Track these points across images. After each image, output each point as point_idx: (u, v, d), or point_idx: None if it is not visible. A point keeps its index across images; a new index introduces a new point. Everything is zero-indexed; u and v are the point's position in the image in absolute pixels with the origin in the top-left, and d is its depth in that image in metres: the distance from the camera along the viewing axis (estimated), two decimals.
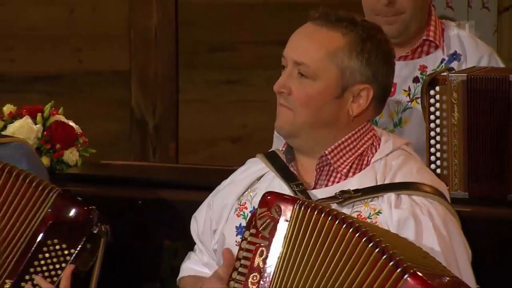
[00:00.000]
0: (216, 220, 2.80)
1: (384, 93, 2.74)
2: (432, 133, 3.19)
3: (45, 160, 3.43)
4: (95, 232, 2.83)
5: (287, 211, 2.50)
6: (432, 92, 3.18)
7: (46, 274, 2.81)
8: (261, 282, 2.49)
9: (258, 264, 2.51)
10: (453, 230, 2.65)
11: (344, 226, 2.43)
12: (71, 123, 3.53)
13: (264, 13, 5.04)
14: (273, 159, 2.77)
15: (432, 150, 3.19)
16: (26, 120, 3.44)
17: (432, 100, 3.19)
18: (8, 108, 3.48)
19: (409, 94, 3.48)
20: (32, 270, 2.81)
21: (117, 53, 5.03)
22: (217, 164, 3.89)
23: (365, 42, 2.64)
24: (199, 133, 4.81)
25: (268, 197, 2.55)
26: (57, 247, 2.82)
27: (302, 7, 5.11)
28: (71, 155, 3.49)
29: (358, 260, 2.39)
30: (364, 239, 2.39)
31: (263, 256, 2.50)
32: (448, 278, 2.39)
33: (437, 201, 2.66)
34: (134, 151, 5.02)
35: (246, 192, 2.76)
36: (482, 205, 3.12)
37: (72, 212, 2.84)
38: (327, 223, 2.44)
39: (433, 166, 3.18)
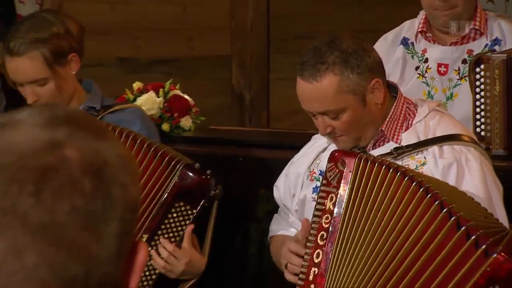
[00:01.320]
0: (293, 186, 2.81)
1: (381, 68, 2.69)
2: (478, 103, 3.17)
3: (166, 126, 3.46)
4: (212, 195, 2.85)
5: (351, 164, 2.51)
6: (477, 70, 3.15)
7: (174, 229, 2.85)
8: (332, 221, 2.51)
9: (329, 207, 2.52)
10: (487, 171, 2.63)
11: (398, 174, 2.44)
12: (186, 96, 3.55)
13: (339, 7, 5.03)
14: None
15: (478, 117, 3.18)
16: (151, 94, 3.46)
17: (477, 76, 3.16)
18: (136, 85, 3.51)
19: (458, 73, 3.42)
20: (163, 227, 2.85)
21: (221, 41, 5.03)
22: (300, 129, 3.87)
23: (347, 61, 2.57)
24: (286, 105, 4.79)
25: (336, 154, 2.58)
26: (183, 208, 2.85)
27: (369, 2, 5.12)
28: (186, 122, 3.51)
29: (415, 207, 2.40)
30: (419, 187, 2.40)
31: (333, 201, 2.51)
32: None
33: (472, 147, 2.64)
34: (234, 119, 5.03)
35: (314, 161, 2.75)
36: None
37: (195, 180, 2.86)
38: (382, 171, 2.45)
39: (478, 129, 3.16)
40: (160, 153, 2.86)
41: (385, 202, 2.44)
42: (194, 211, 2.85)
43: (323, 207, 2.52)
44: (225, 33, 5.04)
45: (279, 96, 4.99)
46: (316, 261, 2.50)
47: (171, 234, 2.86)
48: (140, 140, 2.86)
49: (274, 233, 2.89)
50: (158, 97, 3.46)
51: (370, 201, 2.46)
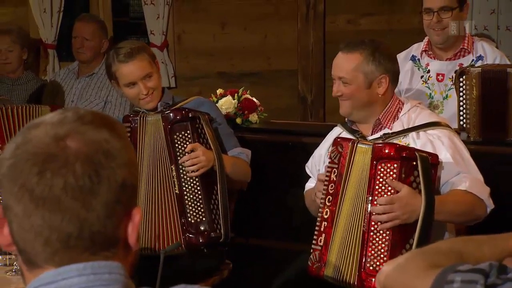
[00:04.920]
0: (317, 163, 2.78)
1: (395, 77, 2.63)
2: (461, 103, 3.10)
3: (238, 120, 3.43)
4: (191, 116, 2.80)
5: (346, 147, 2.46)
6: (461, 79, 3.09)
7: (184, 150, 2.77)
8: (335, 188, 2.47)
9: (333, 178, 2.48)
10: (455, 141, 2.55)
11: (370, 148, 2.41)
12: (254, 99, 3.51)
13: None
14: (345, 125, 2.72)
15: (461, 113, 3.10)
16: (229, 97, 3.45)
17: (461, 84, 3.08)
18: (219, 91, 3.51)
19: (452, 80, 3.34)
20: (178, 153, 2.77)
21: (290, 59, 4.98)
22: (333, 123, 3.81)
23: (374, 53, 2.54)
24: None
25: (337, 140, 2.53)
26: (180, 135, 2.79)
27: (400, 33, 5.02)
28: (253, 117, 3.46)
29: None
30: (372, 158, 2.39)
31: (335, 174, 2.48)
32: None
33: (442, 128, 2.55)
34: (299, 115, 4.98)
35: (330, 145, 2.71)
36: (490, 145, 3.00)
37: (175, 114, 2.81)
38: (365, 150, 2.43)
39: (461, 122, 3.08)
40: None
41: (363, 169, 2.41)
42: (189, 131, 2.79)
43: (329, 178, 2.50)
44: (293, 54, 4.99)
45: (332, 98, 4.89)
46: (325, 217, 2.48)
47: (184, 154, 2.78)
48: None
49: (307, 189, 2.85)
50: (234, 100, 3.45)
51: (357, 171, 2.43)
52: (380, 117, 2.60)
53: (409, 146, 2.50)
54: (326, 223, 2.46)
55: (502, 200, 2.67)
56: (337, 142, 2.51)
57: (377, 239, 2.31)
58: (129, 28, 6.27)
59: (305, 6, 4.92)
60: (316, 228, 2.50)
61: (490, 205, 2.48)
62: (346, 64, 2.55)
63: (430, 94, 3.41)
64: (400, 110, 2.62)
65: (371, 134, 2.62)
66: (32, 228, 0.95)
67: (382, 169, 2.34)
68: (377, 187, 2.34)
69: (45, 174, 0.95)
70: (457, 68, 3.33)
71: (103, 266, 0.97)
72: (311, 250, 2.51)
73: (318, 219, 2.50)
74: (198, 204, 2.75)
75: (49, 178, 0.95)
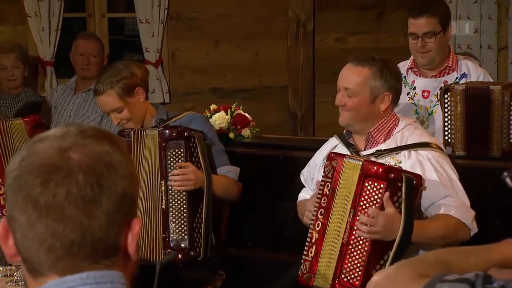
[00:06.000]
0: (312, 172, 2.79)
1: (398, 95, 2.65)
2: (446, 119, 3.11)
3: (231, 134, 3.43)
4: (187, 135, 2.79)
5: (340, 162, 2.47)
6: (446, 96, 3.10)
7: (175, 167, 2.77)
8: (327, 202, 2.47)
9: (326, 192, 2.49)
10: (444, 164, 2.56)
11: (360, 164, 2.41)
12: (246, 114, 3.52)
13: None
14: (342, 137, 2.72)
15: (446, 128, 3.11)
16: (222, 112, 3.46)
17: (446, 100, 3.10)
18: (212, 107, 3.52)
19: (437, 97, 3.35)
20: (169, 171, 2.77)
21: (281, 75, 5.00)
22: (322, 137, 3.82)
23: (383, 70, 2.55)
24: (326, 119, 4.74)
25: (331, 155, 2.53)
26: (173, 152, 2.79)
27: (389, 51, 5.06)
28: (245, 132, 3.47)
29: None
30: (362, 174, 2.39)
31: (328, 188, 2.48)
32: None
33: (432, 150, 2.56)
34: (289, 130, 5.00)
35: (326, 156, 2.72)
36: (473, 159, 3.02)
37: (171, 132, 2.80)
38: (355, 165, 2.42)
39: (446, 137, 3.09)
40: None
41: (351, 184, 2.42)
42: (182, 150, 2.78)
43: (322, 192, 2.50)
44: (283, 71, 5.01)
45: (321, 114, 4.96)
46: (317, 229, 2.49)
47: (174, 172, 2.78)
48: None
49: (300, 199, 2.87)
50: (227, 115, 3.46)
51: (345, 185, 2.43)
52: (371, 131, 2.61)
53: (400, 163, 2.52)
54: (317, 235, 2.47)
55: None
56: (331, 157, 2.52)
57: (354, 253, 2.33)
58: (125, 46, 6.29)
59: (296, 24, 4.95)
60: (307, 239, 2.51)
61: (473, 229, 2.48)
62: (354, 77, 2.55)
63: (416, 110, 3.43)
64: (395, 127, 2.63)
65: (364, 149, 2.63)
66: (36, 236, 0.96)
67: (368, 187, 2.35)
68: (361, 203, 2.35)
69: (48, 184, 0.96)
70: (442, 85, 3.35)
71: (105, 275, 0.97)
72: (302, 261, 2.52)
73: (310, 231, 2.51)
74: (182, 222, 2.75)
75: (52, 188, 0.96)
